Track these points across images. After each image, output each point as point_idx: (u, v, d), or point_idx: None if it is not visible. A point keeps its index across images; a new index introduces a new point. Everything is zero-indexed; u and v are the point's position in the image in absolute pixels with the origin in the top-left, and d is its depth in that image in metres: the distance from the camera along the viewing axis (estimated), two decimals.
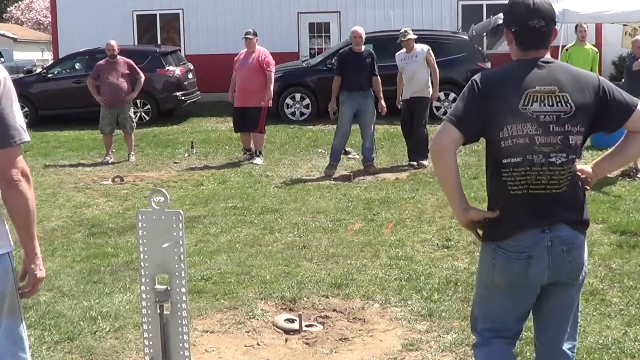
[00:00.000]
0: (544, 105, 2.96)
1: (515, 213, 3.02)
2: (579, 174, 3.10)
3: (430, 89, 10.97)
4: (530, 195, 3.00)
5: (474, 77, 3.06)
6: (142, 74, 12.41)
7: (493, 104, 2.97)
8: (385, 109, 10.64)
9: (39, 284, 2.91)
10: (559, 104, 2.97)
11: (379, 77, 10.57)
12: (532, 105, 2.95)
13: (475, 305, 3.32)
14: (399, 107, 11.19)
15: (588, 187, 3.15)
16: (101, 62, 12.49)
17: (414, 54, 10.87)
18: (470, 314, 3.40)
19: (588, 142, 9.34)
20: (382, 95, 10.60)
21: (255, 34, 11.66)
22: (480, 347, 3.26)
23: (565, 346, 3.20)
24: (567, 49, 11.50)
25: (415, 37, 11.05)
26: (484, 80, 3.02)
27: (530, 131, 2.95)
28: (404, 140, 11.42)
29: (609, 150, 3.23)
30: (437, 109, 15.54)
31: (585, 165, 3.19)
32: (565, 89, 2.98)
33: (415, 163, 11.00)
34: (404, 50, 11.00)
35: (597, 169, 3.18)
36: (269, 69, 11.51)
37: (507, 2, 3.11)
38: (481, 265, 3.24)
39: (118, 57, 12.23)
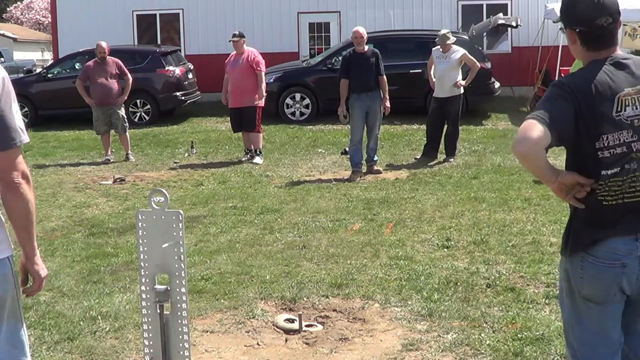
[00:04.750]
0: (637, 108, 2.73)
1: (607, 219, 2.76)
2: None
3: (460, 80, 11.27)
4: (625, 204, 2.76)
5: (559, 79, 2.84)
6: (129, 75, 12.35)
7: (584, 112, 2.69)
8: (389, 110, 10.56)
9: (44, 283, 2.98)
10: None
11: (385, 77, 10.42)
12: (625, 110, 2.72)
13: (567, 331, 3.00)
14: (432, 85, 11.47)
15: None
16: (89, 63, 12.47)
17: (448, 55, 11.22)
18: (565, 343, 3.10)
19: None
20: (387, 95, 10.48)
21: (241, 36, 11.68)
22: None
23: None
24: None
25: (454, 39, 11.45)
26: (572, 84, 2.75)
27: (627, 139, 2.71)
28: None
29: None
30: None
31: None
32: None
33: (418, 157, 11.36)
34: (440, 47, 11.29)
35: None
36: (259, 68, 11.54)
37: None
38: (564, 281, 2.94)
39: (107, 57, 12.20)
